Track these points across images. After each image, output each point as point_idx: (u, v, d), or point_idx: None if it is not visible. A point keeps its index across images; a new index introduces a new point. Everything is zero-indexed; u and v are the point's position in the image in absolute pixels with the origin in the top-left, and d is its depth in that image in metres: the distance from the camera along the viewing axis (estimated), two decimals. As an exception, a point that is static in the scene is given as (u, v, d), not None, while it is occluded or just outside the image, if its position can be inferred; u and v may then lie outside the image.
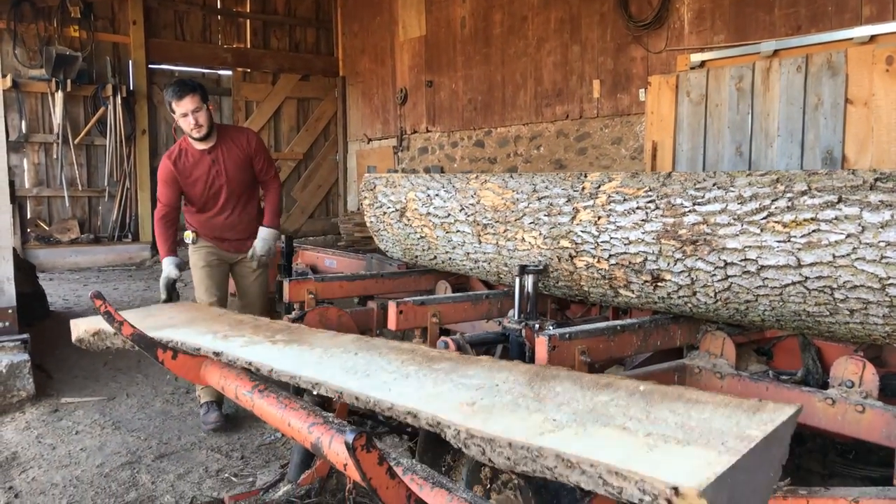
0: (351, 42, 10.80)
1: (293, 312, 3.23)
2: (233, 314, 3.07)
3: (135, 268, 9.36)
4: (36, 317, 5.62)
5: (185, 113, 3.50)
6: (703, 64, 6.09)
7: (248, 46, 10.45)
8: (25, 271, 5.75)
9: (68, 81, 8.88)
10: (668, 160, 6.16)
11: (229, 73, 10.29)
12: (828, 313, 2.04)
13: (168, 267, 3.53)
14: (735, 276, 2.18)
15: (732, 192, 2.19)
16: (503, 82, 8.13)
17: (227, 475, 3.16)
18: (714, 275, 2.23)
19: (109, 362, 4.78)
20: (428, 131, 9.32)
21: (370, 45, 10.32)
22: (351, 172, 10.94)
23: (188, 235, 3.80)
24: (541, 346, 2.20)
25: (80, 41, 9.21)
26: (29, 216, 9.09)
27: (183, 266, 3.61)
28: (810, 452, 2.90)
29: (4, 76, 8.49)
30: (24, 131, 8.91)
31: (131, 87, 9.46)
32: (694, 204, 2.28)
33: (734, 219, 2.16)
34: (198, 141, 3.62)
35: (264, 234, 3.85)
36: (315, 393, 1.86)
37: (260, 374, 2.16)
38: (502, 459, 1.31)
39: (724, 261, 2.19)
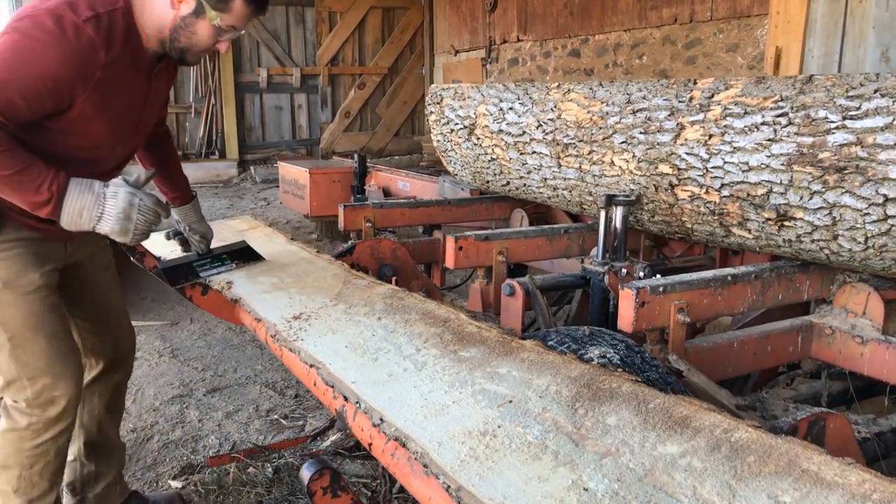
0: (438, -56, 10.04)
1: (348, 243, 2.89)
2: (283, 238, 2.69)
3: (221, 185, 9.35)
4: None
5: (234, 27, 1.75)
6: (846, -50, 5.09)
7: (331, -48, 9.89)
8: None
9: (151, -6, 8.70)
10: (793, 69, 5.28)
11: (311, -19, 9.81)
12: None
13: (125, 190, 1.71)
14: (899, 216, 1.61)
15: (904, 101, 1.59)
16: (603, -18, 7.27)
17: (276, 416, 2.93)
18: (867, 214, 1.67)
19: (179, 285, 4.67)
20: (519, 40, 8.60)
21: (459, -53, 9.54)
22: (437, 87, 10.38)
23: None
24: (626, 303, 1.74)
25: (162, -49, 8.97)
26: (120, 133, 9.18)
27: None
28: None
29: (89, -10, 8.40)
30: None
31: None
32: (844, 118, 1.69)
33: (904, 138, 1.57)
34: (162, 49, 1.77)
35: (196, 206, 2.19)
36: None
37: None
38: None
39: (885, 195, 1.62)
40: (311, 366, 1.53)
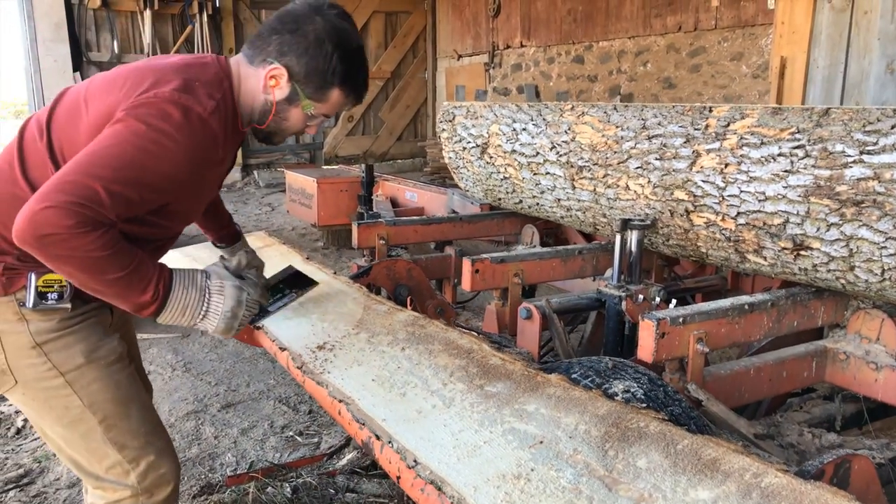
0: (441, -52, 10.06)
1: (359, 263, 2.92)
2: (299, 257, 2.69)
3: (225, 189, 9.38)
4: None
5: (325, 115, 1.64)
6: (851, -39, 5.11)
7: (334, -43, 9.90)
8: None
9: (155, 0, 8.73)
10: (798, 79, 5.32)
11: (315, -14, 9.83)
12: None
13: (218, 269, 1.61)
14: (916, 251, 1.64)
15: (921, 138, 1.62)
16: (607, -11, 7.30)
17: (291, 433, 2.96)
18: (884, 247, 1.70)
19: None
20: (522, 46, 8.63)
21: (462, -48, 9.56)
22: (440, 91, 10.41)
23: (47, 286, 1.45)
24: (646, 333, 1.76)
25: (165, -44, 8.98)
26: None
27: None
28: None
29: (93, -5, 8.42)
30: (115, 51, 8.88)
31: (217, 5, 9.21)
32: (862, 152, 1.72)
33: (922, 175, 1.60)
34: (249, 126, 1.64)
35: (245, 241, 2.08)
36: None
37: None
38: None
39: (902, 231, 1.65)
40: (341, 401, 1.55)
